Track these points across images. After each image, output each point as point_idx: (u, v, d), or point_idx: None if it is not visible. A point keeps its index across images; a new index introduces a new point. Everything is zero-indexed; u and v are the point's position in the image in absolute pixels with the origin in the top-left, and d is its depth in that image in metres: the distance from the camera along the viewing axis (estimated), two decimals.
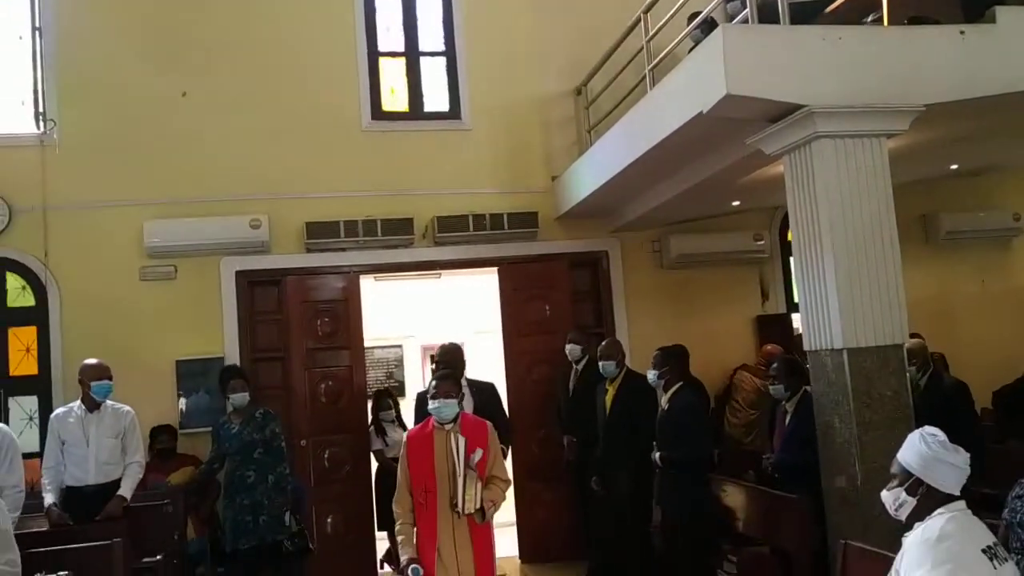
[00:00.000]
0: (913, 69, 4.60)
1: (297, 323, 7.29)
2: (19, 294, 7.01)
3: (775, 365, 5.37)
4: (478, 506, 4.10)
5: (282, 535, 5.76)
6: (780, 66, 4.51)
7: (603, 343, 6.20)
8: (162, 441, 6.74)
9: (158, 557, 5.07)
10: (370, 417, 7.55)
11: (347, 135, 7.52)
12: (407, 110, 7.81)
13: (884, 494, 2.82)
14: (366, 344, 8.40)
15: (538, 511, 7.40)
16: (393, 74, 7.84)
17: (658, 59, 5.87)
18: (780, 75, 4.49)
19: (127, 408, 5.40)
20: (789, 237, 7.89)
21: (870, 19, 5.15)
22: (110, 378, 5.34)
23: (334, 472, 7.15)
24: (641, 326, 7.75)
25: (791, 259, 8.20)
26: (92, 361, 5.46)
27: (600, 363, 6.05)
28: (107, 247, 7.04)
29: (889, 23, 4.95)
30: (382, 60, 7.79)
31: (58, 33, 7.15)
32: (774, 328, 8.07)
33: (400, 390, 9.24)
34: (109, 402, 5.35)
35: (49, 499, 5.08)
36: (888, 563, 3.15)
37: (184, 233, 7.03)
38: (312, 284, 7.37)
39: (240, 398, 5.86)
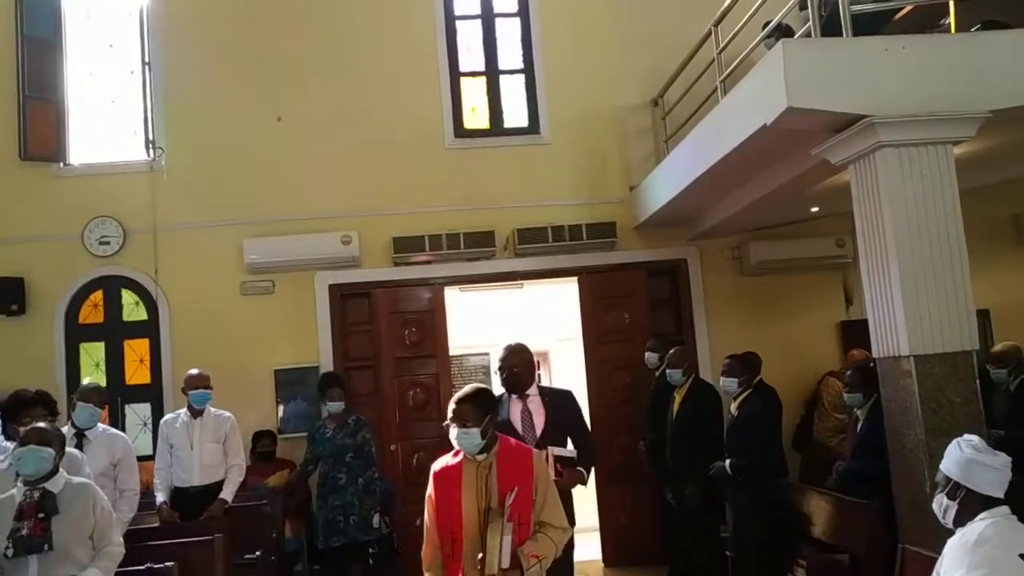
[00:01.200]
0: (978, 75, 4.58)
1: (386, 333, 7.65)
2: (133, 309, 7.59)
3: (849, 372, 5.39)
4: (506, 564, 3.12)
5: (370, 536, 6.08)
6: (841, 78, 4.56)
7: (671, 351, 6.31)
8: (263, 445, 7.18)
9: (257, 553, 5.44)
10: None
11: (431, 153, 7.85)
12: (488, 127, 8.09)
13: (933, 503, 2.91)
14: (455, 353, 8.74)
15: (620, 516, 7.54)
16: (474, 93, 8.14)
17: (729, 70, 5.95)
18: (841, 87, 4.55)
19: (228, 414, 5.83)
20: None
21: (941, 24, 5.14)
22: (208, 387, 5.78)
23: (422, 475, 7.29)
24: (721, 334, 7.80)
25: None
26: (193, 372, 5.92)
27: (667, 371, 6.17)
28: (210, 264, 7.55)
29: (957, 29, 4.93)
30: (463, 80, 8.10)
31: (165, 66, 7.73)
32: (859, 333, 7.96)
33: None
34: (212, 409, 5.79)
35: (160, 498, 5.55)
36: None
37: (280, 250, 7.47)
38: (400, 296, 7.71)
39: (336, 406, 6.22)
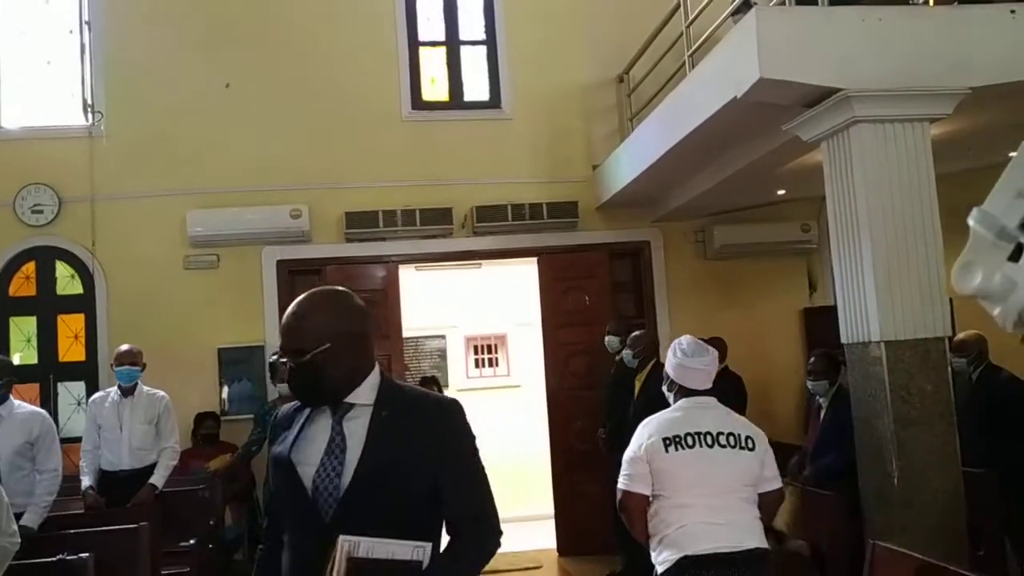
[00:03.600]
0: (958, 50, 4.39)
1: None
2: (68, 282, 7.18)
3: (813, 359, 5.20)
4: None
5: None
6: (816, 49, 4.35)
7: (633, 335, 6.09)
8: (206, 427, 6.85)
9: (191, 541, 5.13)
10: None
11: (387, 125, 7.53)
12: (447, 99, 7.78)
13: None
14: (411, 334, 8.46)
15: (576, 504, 7.32)
16: (433, 63, 7.83)
17: (697, 44, 5.73)
18: (816, 58, 4.33)
19: (162, 393, 5.48)
20: None
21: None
22: (135, 364, 5.41)
23: None
24: (683, 318, 7.60)
25: None
26: (123, 348, 5.56)
27: (623, 352, 5.96)
28: (152, 236, 7.17)
29: (937, 1, 4.74)
30: (422, 49, 7.78)
31: (106, 26, 7.29)
32: (823, 320, 7.83)
33: (444, 380, 9.22)
34: (145, 388, 5.44)
35: (86, 482, 5.20)
36: (919, 564, 3.04)
37: (226, 223, 7.11)
38: (352, 273, 7.38)
39: (284, 387, 5.89)
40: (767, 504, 3.19)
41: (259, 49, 7.43)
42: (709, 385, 3.32)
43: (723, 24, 5.60)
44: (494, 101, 7.77)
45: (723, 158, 6.02)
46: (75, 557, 3.56)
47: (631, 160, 6.81)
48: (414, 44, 7.73)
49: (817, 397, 5.12)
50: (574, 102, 7.79)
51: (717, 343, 5.65)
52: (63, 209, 7.11)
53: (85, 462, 5.28)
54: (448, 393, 8.46)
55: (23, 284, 7.13)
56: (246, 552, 6.70)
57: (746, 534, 3.05)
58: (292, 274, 7.38)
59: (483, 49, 7.85)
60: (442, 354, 9.77)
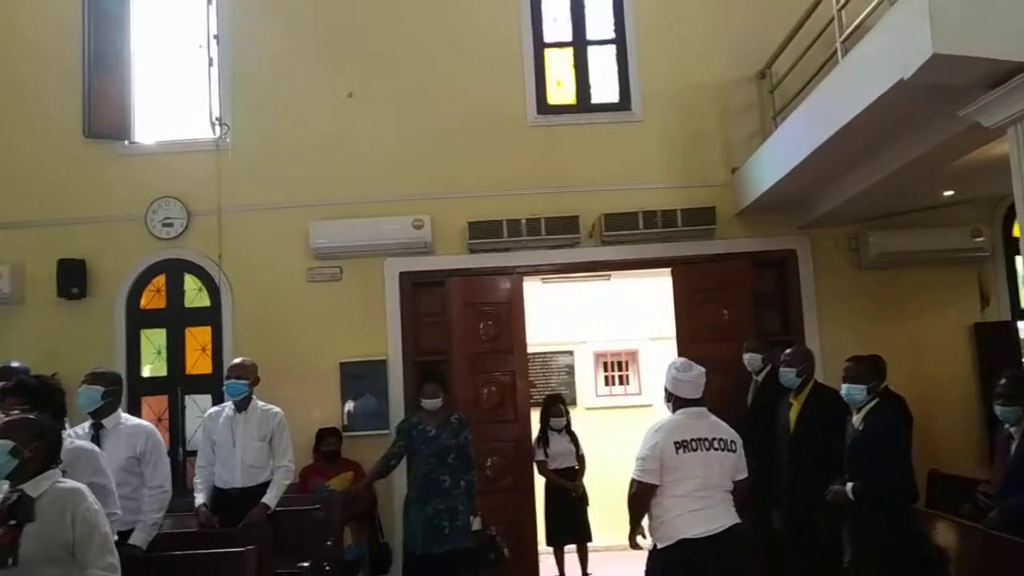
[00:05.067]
0: None
1: (460, 326, 7.04)
2: (196, 295, 7.20)
3: (1004, 381, 4.47)
4: None
5: (473, 542, 5.52)
6: (1001, 18, 3.71)
7: (787, 350, 5.49)
8: (328, 444, 6.68)
9: (305, 564, 4.91)
10: (536, 426, 7.21)
11: (511, 131, 7.22)
12: (574, 102, 7.40)
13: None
14: (536, 350, 8.11)
15: None
16: (560, 66, 7.47)
17: (851, 28, 5.11)
18: (1000, 29, 3.70)
19: (276, 409, 5.29)
20: (1016, 232, 6.82)
21: None
22: (243, 377, 5.24)
23: (495, 481, 6.82)
24: (834, 334, 6.91)
25: (1018, 257, 7.11)
26: (236, 360, 5.44)
27: (780, 370, 5.36)
28: (276, 249, 7.10)
29: None
30: (548, 51, 7.44)
31: (233, 40, 7.31)
32: (996, 337, 6.98)
33: (571, 398, 8.81)
34: (260, 403, 5.27)
35: (199, 499, 5.05)
36: None
37: (349, 234, 6.96)
38: (475, 285, 7.10)
39: (431, 403, 5.65)
40: (739, 490, 4.06)
41: (381, 57, 7.27)
42: (699, 395, 4.12)
43: (881, 4, 4.99)
44: (624, 103, 7.33)
45: (883, 154, 5.36)
46: None
47: (775, 161, 6.23)
48: (539, 46, 7.39)
49: (1006, 425, 4.40)
50: (710, 101, 7.25)
51: (874, 362, 5.02)
52: (192, 222, 7.14)
53: (199, 478, 5.14)
54: (575, 413, 8.06)
55: (154, 297, 7.20)
56: (367, 573, 6.49)
57: (728, 516, 3.93)
58: (415, 286, 7.16)
59: (612, 49, 7.43)
60: (570, 371, 9.37)
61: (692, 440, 3.91)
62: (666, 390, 4.16)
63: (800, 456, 5.17)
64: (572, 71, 7.44)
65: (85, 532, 3.03)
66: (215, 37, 7.31)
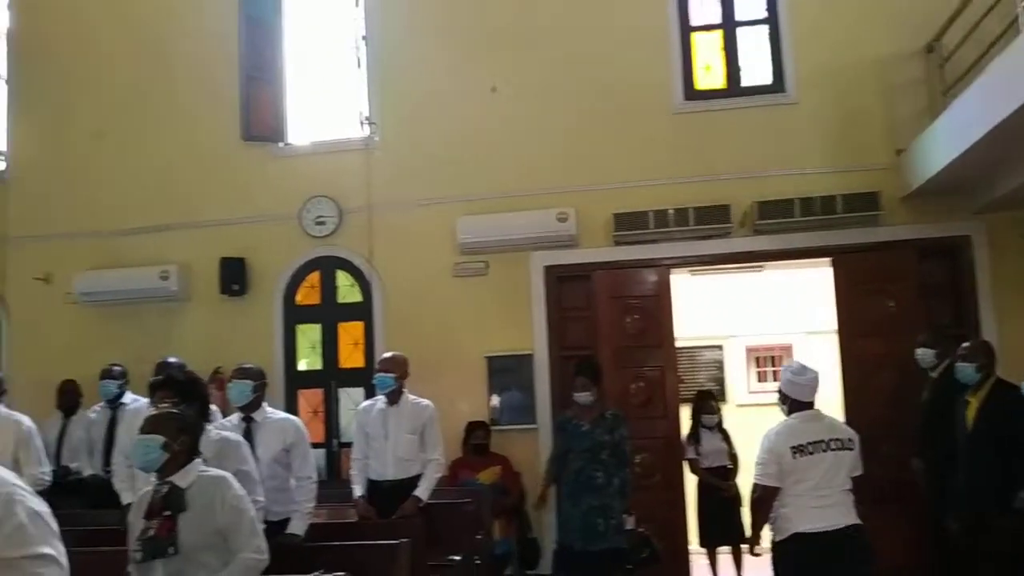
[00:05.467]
0: None
1: (606, 320, 6.91)
2: (348, 291, 7.39)
3: None
4: None
5: (627, 541, 5.41)
6: None
7: (965, 344, 5.06)
8: (477, 437, 6.72)
9: (456, 557, 4.92)
10: (686, 423, 6.99)
11: (657, 118, 7.01)
12: (723, 86, 7.12)
13: None
14: (686, 344, 7.88)
15: (884, 542, 6.29)
16: (708, 49, 7.20)
17: None
18: None
19: (426, 403, 5.32)
20: None
21: None
22: (389, 371, 5.27)
23: (644, 479, 6.63)
24: (1016, 328, 6.35)
25: None
26: (386, 354, 5.50)
27: (957, 365, 4.94)
28: (424, 245, 7.18)
29: None
30: (695, 35, 7.18)
31: (380, 40, 7.44)
32: None
33: (721, 394, 8.50)
34: (411, 397, 5.32)
35: (357, 491, 5.14)
36: None
37: (494, 228, 6.96)
38: (621, 278, 6.95)
39: (583, 396, 5.57)
40: (856, 487, 4.04)
41: (524, 49, 7.22)
42: (813, 398, 4.14)
43: None
44: (777, 85, 6.99)
45: None
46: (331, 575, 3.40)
47: (947, 140, 5.76)
48: (686, 30, 7.15)
49: None
50: (871, 79, 6.80)
51: None
52: (344, 220, 7.32)
53: (355, 470, 5.23)
54: (727, 409, 7.76)
55: (309, 293, 7.44)
56: (517, 568, 6.47)
57: (847, 515, 3.95)
58: (560, 280, 7.08)
59: (764, 29, 7.09)
60: (719, 366, 9.05)
61: (808, 444, 3.97)
62: (781, 393, 4.22)
63: (979, 456, 4.76)
64: (721, 54, 7.16)
65: (233, 517, 3.13)
66: (363, 39, 7.46)
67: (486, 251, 7.06)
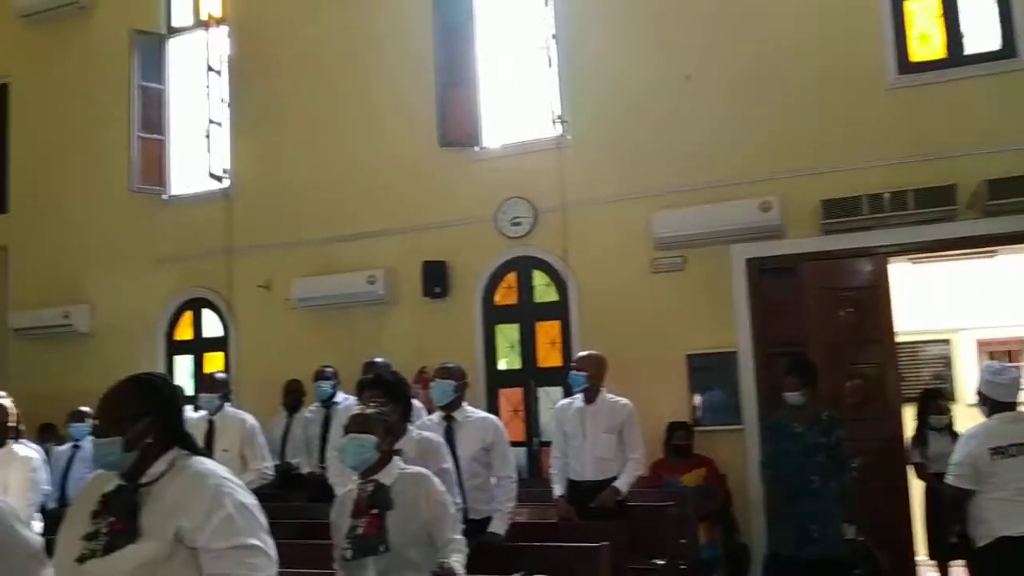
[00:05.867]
0: None
1: (815, 314, 6.50)
2: (544, 290, 7.41)
3: None
4: None
5: (845, 551, 5.08)
6: None
7: None
8: (678, 437, 6.52)
9: (660, 561, 4.77)
10: (911, 423, 6.45)
11: (868, 96, 6.51)
12: (943, 56, 6.50)
13: None
14: (906, 339, 7.32)
15: None
16: (924, 17, 6.60)
17: None
18: None
19: (624, 401, 5.19)
20: None
21: None
22: (582, 369, 5.18)
23: (863, 485, 6.14)
24: None
25: None
26: (581, 353, 5.43)
27: None
28: (618, 241, 7.06)
29: None
30: (908, 3, 6.60)
31: (570, 37, 7.40)
32: None
33: (948, 393, 7.78)
34: (609, 396, 5.21)
35: (557, 491, 5.10)
36: None
37: (692, 222, 6.72)
38: (831, 269, 6.53)
39: (793, 397, 5.29)
40: None
41: (719, 34, 6.94)
42: (1015, 399, 4.04)
43: None
44: (1007, 50, 6.29)
45: None
46: None
47: None
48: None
49: None
50: None
51: None
52: (539, 220, 7.34)
53: (555, 469, 5.19)
54: (956, 409, 7.10)
55: (506, 293, 7.52)
56: (723, 575, 6.21)
57: None
58: (763, 273, 6.73)
59: None
60: (946, 362, 8.30)
61: (1010, 445, 3.89)
62: (980, 394, 4.15)
63: None
64: (939, 21, 6.54)
65: (437, 512, 3.15)
66: (553, 37, 7.45)
67: (684, 245, 6.83)
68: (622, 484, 4.95)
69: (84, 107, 9.17)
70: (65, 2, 9.23)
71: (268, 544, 2.15)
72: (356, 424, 3.23)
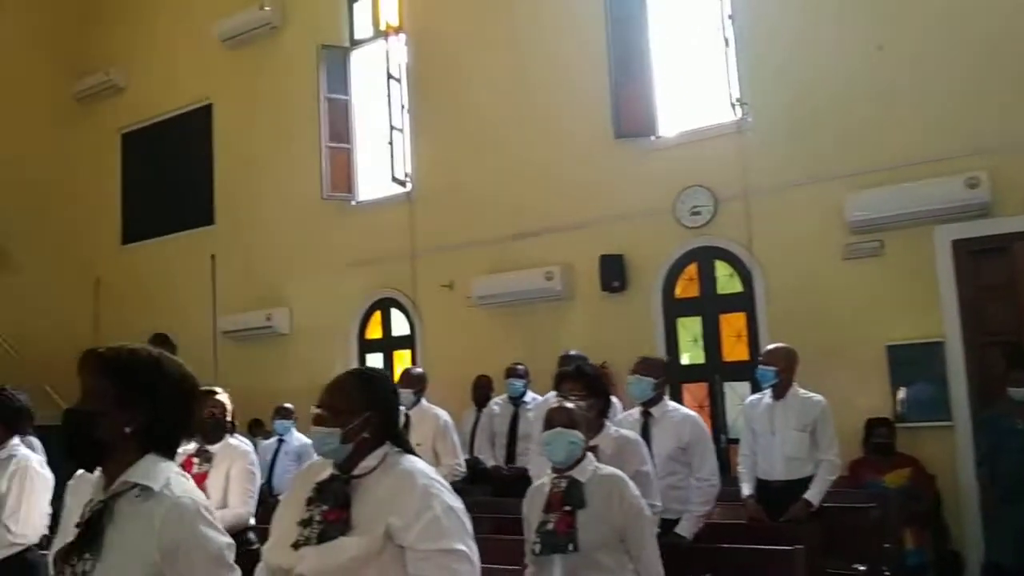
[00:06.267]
0: None
1: None
2: (727, 281, 7.13)
3: None
4: None
5: None
6: None
7: None
8: (879, 435, 6.09)
9: (861, 567, 4.44)
10: None
11: None
12: None
13: None
14: None
15: None
16: None
17: None
18: None
19: (818, 398, 4.85)
20: None
21: None
22: (772, 364, 4.87)
23: None
24: None
25: None
26: (769, 346, 5.14)
27: None
28: (807, 227, 6.68)
29: None
30: None
31: (747, 15, 7.08)
32: None
33: None
34: (800, 391, 4.88)
35: (745, 490, 4.84)
36: None
37: (889, 203, 6.26)
38: None
39: (1018, 393, 4.84)
40: None
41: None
42: None
43: None
44: None
45: None
46: None
47: None
48: None
49: None
50: None
51: None
52: (719, 208, 7.08)
53: (744, 468, 4.94)
54: None
55: (687, 286, 7.30)
56: None
57: None
58: (973, 255, 6.15)
59: None
60: None
61: None
62: None
63: None
64: None
65: (632, 518, 3.00)
66: (729, 17, 7.16)
67: (880, 228, 6.37)
68: (813, 495, 4.61)
69: (277, 121, 9.74)
70: (259, 24, 9.83)
71: (472, 549, 2.13)
72: (563, 418, 3.10)
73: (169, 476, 1.81)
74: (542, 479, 3.19)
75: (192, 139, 10.61)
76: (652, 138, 7.48)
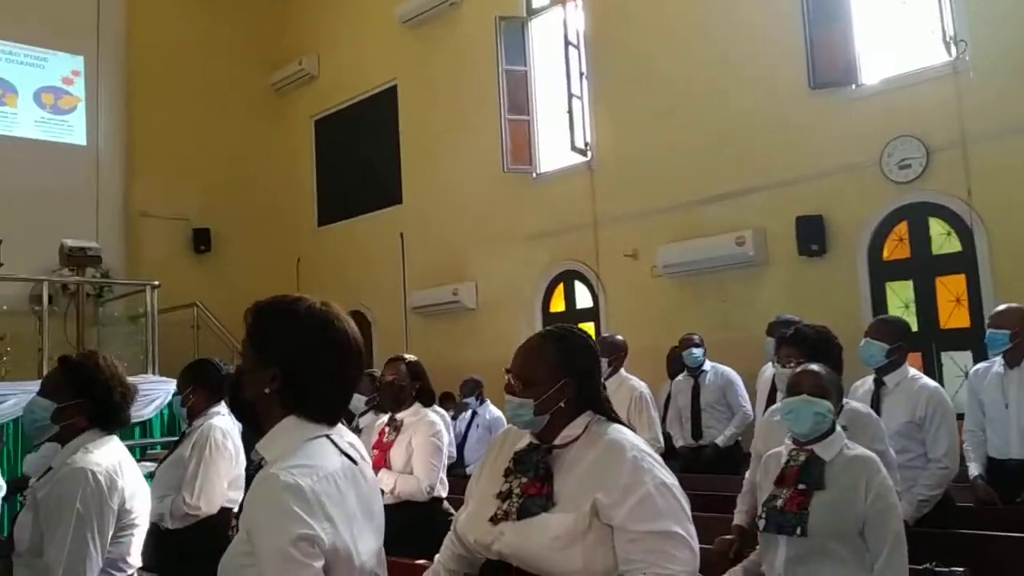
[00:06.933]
0: None
1: None
2: (944, 240, 6.45)
3: None
4: None
5: None
6: None
7: None
8: None
9: None
10: None
11: None
12: None
13: None
14: None
15: None
16: None
17: None
18: None
19: None
20: None
21: None
22: (1004, 327, 4.18)
23: None
24: None
25: None
26: (999, 308, 4.39)
27: None
28: None
29: None
30: None
31: None
32: None
33: None
34: None
35: (973, 470, 4.28)
36: None
37: None
38: None
39: None
40: None
41: None
42: None
43: None
44: None
45: None
46: (947, 570, 2.77)
47: None
48: None
49: None
50: None
51: None
52: (932, 159, 6.40)
53: (970, 445, 4.36)
54: None
55: (897, 247, 6.67)
56: None
57: None
58: None
59: None
60: None
61: None
62: None
63: None
64: None
65: (881, 509, 2.58)
66: None
67: None
68: None
69: (457, 97, 9.80)
70: (440, 1, 9.91)
71: (691, 534, 1.88)
72: (811, 383, 2.73)
73: (287, 448, 1.65)
74: (779, 448, 2.83)
75: (379, 121, 10.90)
76: (853, 87, 6.87)
